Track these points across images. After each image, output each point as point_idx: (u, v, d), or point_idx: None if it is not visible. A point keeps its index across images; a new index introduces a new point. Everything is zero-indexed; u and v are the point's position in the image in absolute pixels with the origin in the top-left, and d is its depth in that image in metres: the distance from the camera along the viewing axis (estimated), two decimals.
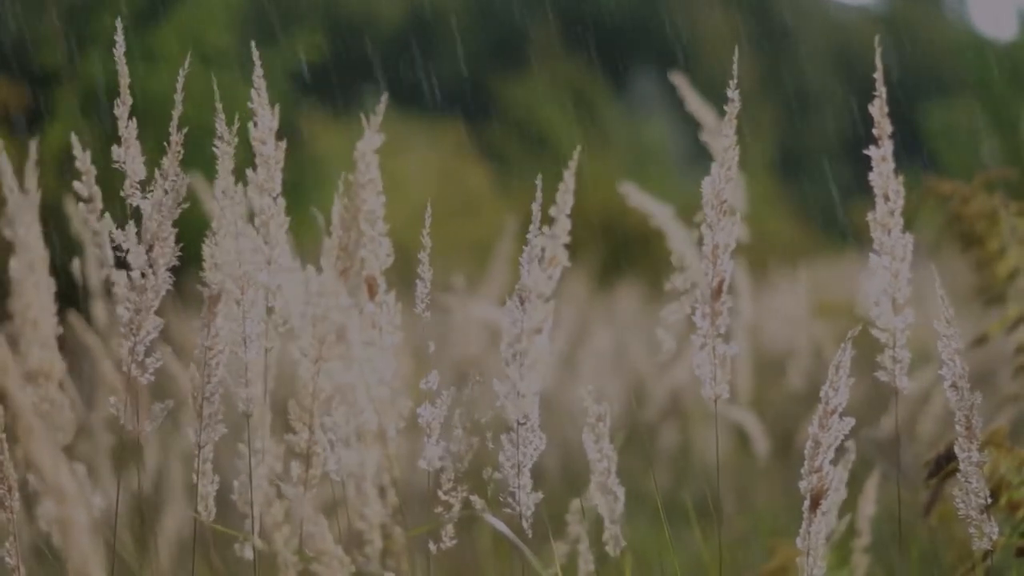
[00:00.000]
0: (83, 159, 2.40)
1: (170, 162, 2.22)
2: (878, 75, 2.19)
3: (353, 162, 2.30)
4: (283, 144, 2.27)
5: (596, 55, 21.21)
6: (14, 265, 2.72)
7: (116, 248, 2.25)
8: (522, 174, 17.33)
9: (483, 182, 15.26)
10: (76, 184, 2.45)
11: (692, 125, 4.03)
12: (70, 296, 3.05)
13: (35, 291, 2.72)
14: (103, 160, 2.34)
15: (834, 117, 22.64)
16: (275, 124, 2.26)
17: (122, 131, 2.23)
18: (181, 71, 2.21)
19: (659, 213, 3.43)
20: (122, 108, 2.23)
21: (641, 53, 22.78)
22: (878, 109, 2.20)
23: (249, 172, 2.25)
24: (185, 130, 2.23)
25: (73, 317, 3.23)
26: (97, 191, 2.40)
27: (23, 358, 2.71)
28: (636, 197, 3.70)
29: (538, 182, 2.17)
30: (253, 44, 2.28)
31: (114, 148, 2.23)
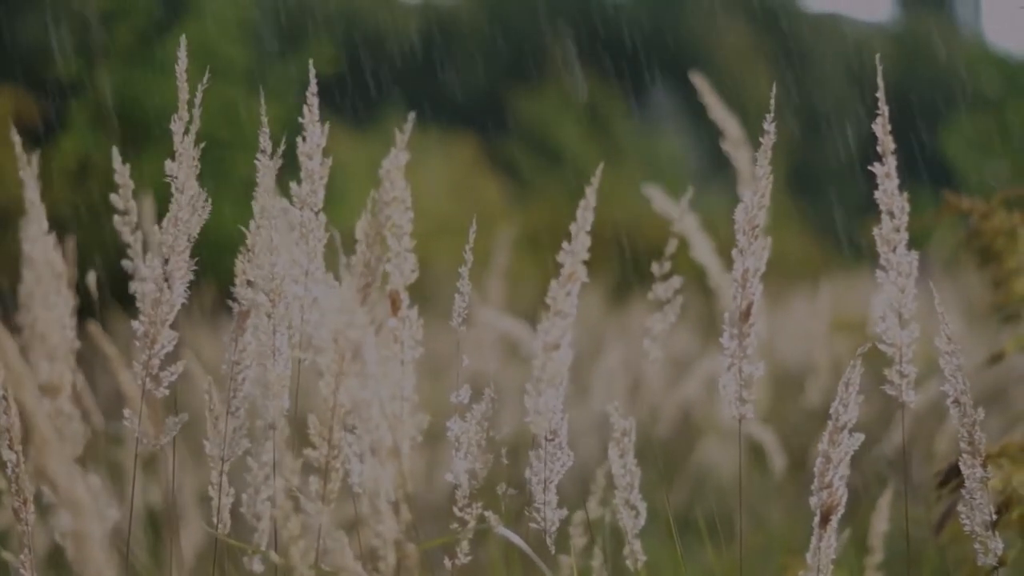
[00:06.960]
0: (122, 171, 2.39)
1: (186, 175, 2.22)
2: (880, 93, 2.19)
3: (378, 179, 2.30)
4: (328, 161, 2.26)
5: (611, 69, 21.22)
6: (24, 280, 2.72)
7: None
8: (536, 188, 17.33)
9: (497, 196, 15.26)
10: (113, 196, 2.45)
11: (708, 140, 4.03)
12: (92, 307, 3.05)
13: (42, 304, 2.71)
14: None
15: (847, 134, 22.63)
16: (323, 141, 2.25)
17: (177, 146, 2.22)
18: (200, 84, 2.21)
19: (681, 220, 3.42)
20: (178, 124, 2.21)
21: (657, 68, 22.79)
22: (880, 127, 2.20)
23: (293, 185, 2.24)
24: (203, 144, 2.23)
25: (93, 328, 3.23)
26: (133, 204, 2.39)
27: (34, 371, 2.70)
28: (660, 201, 3.70)
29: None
30: (310, 62, 2.27)
31: (167, 163, 2.22)
